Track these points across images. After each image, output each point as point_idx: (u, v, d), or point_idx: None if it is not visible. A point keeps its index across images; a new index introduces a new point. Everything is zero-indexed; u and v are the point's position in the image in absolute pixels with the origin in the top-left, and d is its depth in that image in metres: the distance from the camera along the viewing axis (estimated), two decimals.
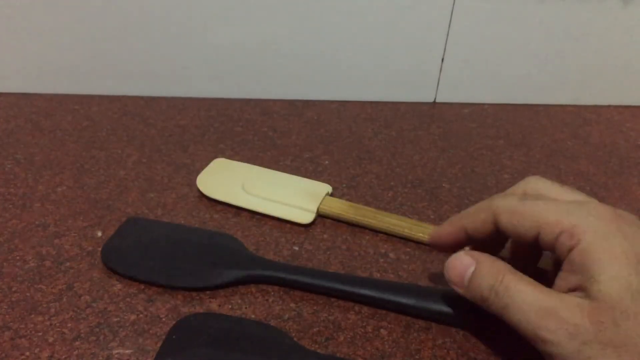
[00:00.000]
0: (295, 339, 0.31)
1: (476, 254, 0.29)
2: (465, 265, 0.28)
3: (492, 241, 0.31)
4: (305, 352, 0.29)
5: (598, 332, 0.23)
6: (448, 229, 0.31)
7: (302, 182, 0.44)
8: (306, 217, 0.40)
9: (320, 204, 0.41)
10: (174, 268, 0.35)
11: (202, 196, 0.42)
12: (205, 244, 0.37)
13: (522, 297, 0.25)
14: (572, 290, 0.25)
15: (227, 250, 0.36)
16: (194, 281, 0.34)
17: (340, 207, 0.41)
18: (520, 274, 0.27)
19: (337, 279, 0.34)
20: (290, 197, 0.41)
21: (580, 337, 0.24)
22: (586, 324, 0.24)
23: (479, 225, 0.29)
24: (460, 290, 0.29)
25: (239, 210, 0.41)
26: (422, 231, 0.39)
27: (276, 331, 0.31)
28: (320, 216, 0.41)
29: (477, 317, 0.31)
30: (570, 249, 0.25)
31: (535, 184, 0.29)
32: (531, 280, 0.26)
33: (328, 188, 0.43)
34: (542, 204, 0.27)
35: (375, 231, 0.40)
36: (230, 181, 0.43)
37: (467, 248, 0.31)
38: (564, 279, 0.26)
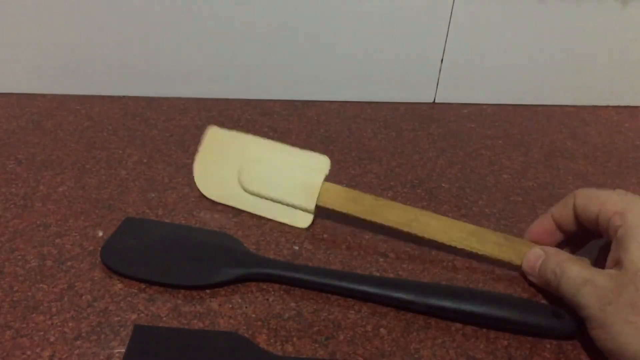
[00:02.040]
0: (295, 338, 0.31)
1: (547, 248, 0.35)
2: (537, 257, 0.35)
3: (574, 239, 0.37)
4: (270, 356, 0.29)
5: (620, 294, 0.28)
6: (539, 220, 0.37)
7: (298, 164, 0.40)
8: (304, 221, 0.40)
9: (318, 199, 0.39)
10: (174, 267, 0.35)
11: (203, 196, 0.42)
12: (205, 243, 0.37)
13: (570, 273, 0.31)
14: (614, 265, 0.30)
15: (227, 249, 0.36)
16: (194, 279, 0.34)
17: (338, 204, 0.39)
18: (575, 258, 0.33)
19: (337, 276, 0.34)
20: (288, 190, 0.40)
21: (605, 299, 0.28)
22: (612, 287, 0.28)
23: (562, 210, 0.35)
24: (532, 278, 0.35)
25: (238, 210, 0.41)
26: (420, 229, 0.38)
27: (237, 338, 0.31)
28: (319, 207, 0.40)
29: (476, 313, 0.32)
30: (617, 229, 0.30)
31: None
32: (581, 261, 0.32)
33: (325, 164, 0.40)
34: (609, 191, 0.33)
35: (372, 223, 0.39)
36: (227, 170, 0.41)
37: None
38: (611, 256, 0.31)
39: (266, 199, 0.41)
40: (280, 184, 0.40)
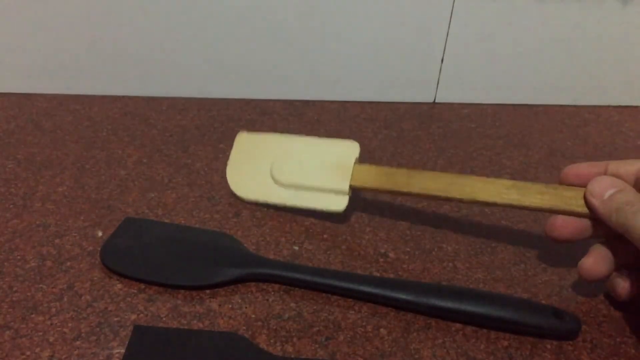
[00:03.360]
0: (295, 338, 0.31)
1: (625, 183, 0.33)
2: (612, 185, 0.32)
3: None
4: (269, 356, 0.29)
5: None
6: (589, 167, 0.35)
7: (329, 150, 0.41)
8: (339, 204, 0.39)
9: (352, 179, 0.39)
10: (174, 267, 0.35)
11: (203, 196, 0.42)
12: (205, 243, 0.37)
13: None
14: None
15: (227, 249, 0.36)
16: (194, 280, 0.34)
17: (373, 180, 0.38)
18: None
19: (337, 277, 0.34)
20: (321, 176, 0.39)
21: None
22: None
23: (594, 170, 0.34)
24: (594, 201, 0.33)
25: (239, 209, 0.41)
26: (459, 191, 0.36)
27: (237, 339, 0.31)
28: (355, 190, 0.40)
29: (476, 313, 0.32)
30: None
31: None
32: None
33: (356, 149, 0.40)
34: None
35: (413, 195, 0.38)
36: (258, 169, 0.41)
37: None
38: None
39: (300, 188, 0.40)
40: (312, 171, 0.40)
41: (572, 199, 0.34)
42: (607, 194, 0.32)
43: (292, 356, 0.30)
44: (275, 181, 0.41)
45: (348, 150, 0.40)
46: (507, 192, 0.36)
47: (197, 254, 0.36)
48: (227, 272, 0.34)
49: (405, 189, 0.37)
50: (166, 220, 0.40)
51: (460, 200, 0.37)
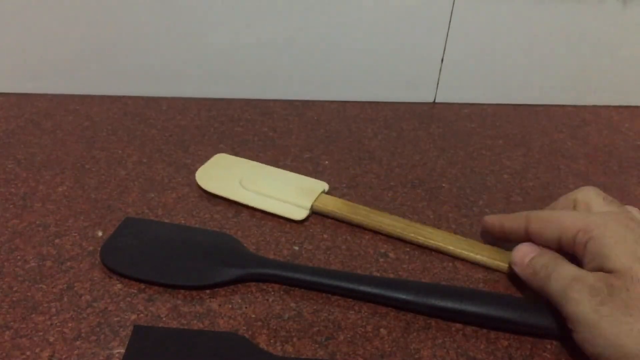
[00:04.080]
0: (295, 338, 0.31)
1: (541, 247, 0.34)
2: (530, 250, 0.34)
3: None
4: (270, 356, 0.29)
5: (612, 294, 0.28)
6: (492, 221, 0.38)
7: (299, 179, 0.44)
8: (299, 214, 0.40)
9: (315, 201, 0.41)
10: (174, 267, 0.35)
11: (202, 196, 0.42)
12: (205, 243, 0.37)
13: (561, 270, 0.31)
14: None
15: (227, 249, 0.36)
16: (194, 280, 0.34)
17: (334, 205, 0.41)
18: (566, 260, 0.32)
19: (337, 277, 0.34)
20: (286, 193, 0.42)
21: (598, 297, 0.28)
22: (603, 287, 0.28)
23: (515, 228, 0.35)
24: (518, 269, 0.34)
25: (239, 209, 0.41)
26: (415, 232, 0.39)
27: (237, 339, 0.31)
28: (315, 213, 0.41)
29: (476, 313, 0.32)
30: (586, 243, 0.31)
31: (587, 194, 0.35)
32: (573, 264, 0.32)
33: (324, 185, 0.43)
34: (565, 213, 0.34)
35: (369, 230, 0.40)
36: (229, 176, 0.43)
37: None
38: (587, 267, 0.31)
39: (265, 195, 0.42)
40: (279, 188, 0.42)
41: (507, 259, 0.37)
42: (526, 260, 0.34)
43: (292, 356, 0.30)
44: (244, 188, 0.42)
45: (317, 184, 0.43)
46: (459, 243, 0.38)
47: (197, 254, 0.36)
48: (227, 272, 0.34)
49: (364, 222, 0.40)
50: (166, 220, 0.40)
51: (414, 242, 0.39)
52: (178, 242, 0.37)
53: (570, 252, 0.32)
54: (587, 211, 0.33)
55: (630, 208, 0.34)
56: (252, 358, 0.29)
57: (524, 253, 0.34)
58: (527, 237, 0.35)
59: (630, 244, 0.29)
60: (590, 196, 0.34)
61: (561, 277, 0.31)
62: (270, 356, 0.30)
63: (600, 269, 0.30)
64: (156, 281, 0.34)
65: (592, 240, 0.30)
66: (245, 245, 0.37)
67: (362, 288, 0.33)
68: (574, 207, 0.35)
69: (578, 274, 0.30)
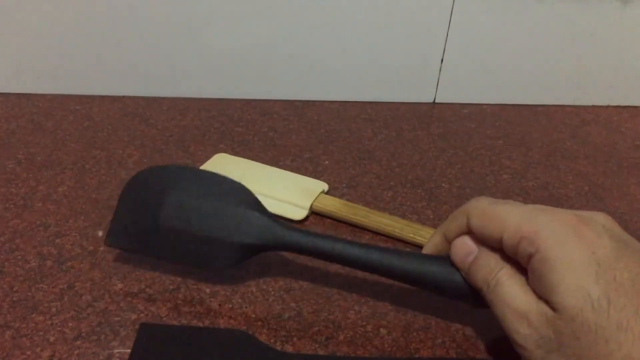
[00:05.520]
0: (295, 338, 0.31)
1: (480, 243, 0.29)
2: (468, 251, 0.29)
3: None
4: (275, 353, 0.30)
5: (561, 344, 0.23)
6: (433, 240, 0.31)
7: (299, 179, 0.44)
8: (299, 214, 0.40)
9: (314, 201, 0.41)
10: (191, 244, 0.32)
11: None
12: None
13: (505, 296, 0.26)
14: (540, 298, 0.25)
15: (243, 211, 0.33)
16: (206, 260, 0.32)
17: (333, 205, 0.41)
18: (515, 272, 0.27)
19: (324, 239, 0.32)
20: (285, 193, 0.42)
21: (545, 347, 0.24)
22: (550, 335, 0.24)
23: (456, 229, 0.29)
24: (462, 273, 0.29)
25: None
26: (414, 232, 0.39)
27: (243, 336, 0.31)
28: (315, 213, 0.41)
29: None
30: (531, 256, 0.25)
31: None
32: (523, 280, 0.26)
33: (324, 186, 0.43)
34: (508, 207, 0.27)
35: (368, 230, 0.40)
36: (228, 176, 0.43)
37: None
38: (532, 285, 0.26)
39: (264, 195, 0.41)
40: (279, 188, 0.42)
41: None
42: (467, 261, 0.29)
43: None
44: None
45: (317, 184, 0.43)
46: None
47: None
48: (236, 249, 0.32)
49: (363, 222, 0.40)
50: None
51: (414, 242, 0.39)
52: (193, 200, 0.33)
53: (515, 258, 0.26)
54: (536, 207, 0.27)
55: (592, 213, 0.27)
56: (257, 354, 0.29)
57: (464, 251, 0.29)
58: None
59: (583, 268, 0.23)
60: None
61: (506, 303, 0.26)
62: (275, 352, 0.30)
63: (546, 300, 0.24)
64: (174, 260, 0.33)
65: (537, 256, 0.25)
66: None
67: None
68: None
69: (524, 309, 0.25)
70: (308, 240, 0.32)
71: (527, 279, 0.26)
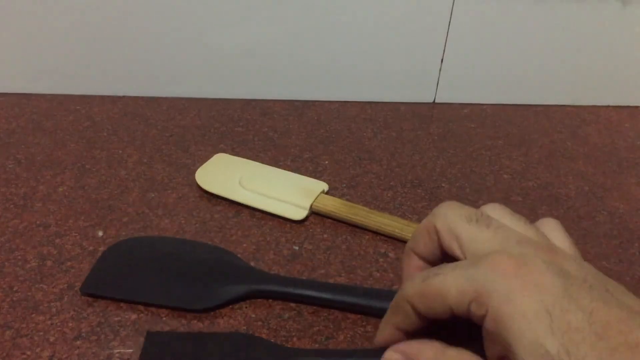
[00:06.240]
0: (295, 338, 0.31)
1: (405, 346, 0.26)
2: None
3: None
4: (285, 350, 0.30)
5: None
6: (383, 335, 0.27)
7: (298, 179, 0.44)
8: (299, 214, 0.40)
9: (314, 201, 0.41)
10: (173, 287, 0.33)
11: (202, 196, 0.42)
12: (199, 260, 0.36)
13: None
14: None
15: (225, 264, 0.35)
16: (196, 302, 0.33)
17: (333, 205, 0.41)
18: (455, 350, 0.24)
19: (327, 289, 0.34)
20: (285, 193, 0.42)
21: None
22: None
23: (406, 322, 0.26)
24: None
25: (239, 209, 0.41)
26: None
27: (249, 337, 0.31)
28: (315, 213, 0.41)
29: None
30: (482, 318, 0.23)
31: (492, 210, 0.27)
32: (469, 355, 0.24)
33: (324, 186, 0.43)
34: (442, 277, 0.24)
35: (368, 230, 0.40)
36: (228, 176, 0.44)
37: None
38: (489, 349, 0.23)
39: (264, 195, 0.42)
40: (279, 188, 0.42)
41: None
42: None
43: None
44: (243, 187, 0.42)
45: (317, 184, 0.43)
46: None
47: (195, 273, 0.35)
48: (228, 291, 0.33)
49: (364, 222, 0.40)
50: (166, 221, 0.40)
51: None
52: (171, 260, 0.35)
53: (472, 321, 0.23)
54: (474, 261, 0.24)
55: (545, 227, 0.25)
56: (265, 351, 0.29)
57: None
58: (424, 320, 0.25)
59: (536, 322, 0.21)
60: (496, 213, 0.27)
61: None
62: (283, 349, 0.30)
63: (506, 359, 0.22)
64: (153, 303, 0.33)
65: (488, 315, 0.22)
66: (245, 245, 0.37)
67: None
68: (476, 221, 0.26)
69: None
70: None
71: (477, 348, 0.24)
